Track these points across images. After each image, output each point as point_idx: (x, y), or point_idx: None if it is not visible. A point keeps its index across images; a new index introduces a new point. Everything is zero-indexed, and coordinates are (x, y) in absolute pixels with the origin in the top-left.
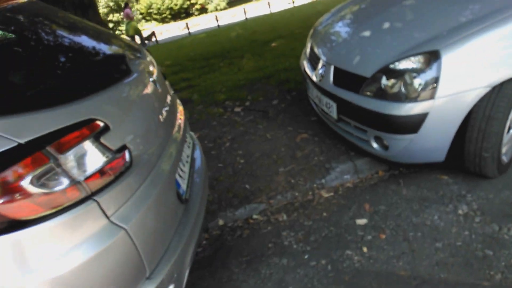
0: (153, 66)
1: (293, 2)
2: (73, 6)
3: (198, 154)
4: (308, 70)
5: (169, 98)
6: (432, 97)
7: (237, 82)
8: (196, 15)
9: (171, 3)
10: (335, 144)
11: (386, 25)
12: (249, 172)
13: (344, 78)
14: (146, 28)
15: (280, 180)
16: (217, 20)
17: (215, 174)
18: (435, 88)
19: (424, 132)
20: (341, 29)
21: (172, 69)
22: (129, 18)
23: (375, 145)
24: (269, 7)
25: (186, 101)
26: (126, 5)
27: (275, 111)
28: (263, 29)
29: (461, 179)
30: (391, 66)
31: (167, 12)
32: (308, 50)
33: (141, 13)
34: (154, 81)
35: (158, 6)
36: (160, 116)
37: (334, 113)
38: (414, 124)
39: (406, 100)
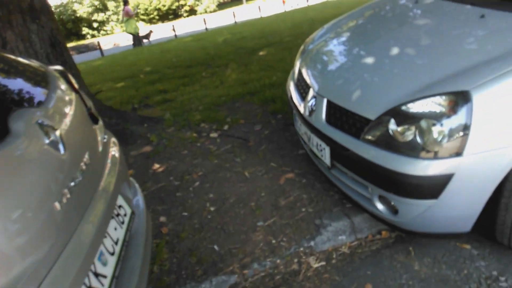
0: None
1: (284, 3)
2: (20, 11)
3: (139, 226)
4: (295, 98)
5: (86, 158)
6: (459, 152)
7: (217, 98)
8: (184, 17)
9: (159, 3)
10: (327, 191)
11: (395, 50)
12: (219, 226)
13: (341, 117)
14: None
15: (258, 239)
16: (205, 23)
17: (176, 228)
18: (463, 141)
19: (447, 198)
20: (337, 51)
21: (150, 77)
22: (129, 15)
23: (380, 206)
24: (260, 11)
25: (157, 121)
26: (126, 2)
27: (256, 139)
28: (252, 34)
29: (489, 252)
30: (403, 107)
31: (155, 13)
32: (296, 72)
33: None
34: (54, 143)
35: (146, 6)
36: (57, 204)
37: (326, 158)
38: (433, 187)
39: (422, 155)
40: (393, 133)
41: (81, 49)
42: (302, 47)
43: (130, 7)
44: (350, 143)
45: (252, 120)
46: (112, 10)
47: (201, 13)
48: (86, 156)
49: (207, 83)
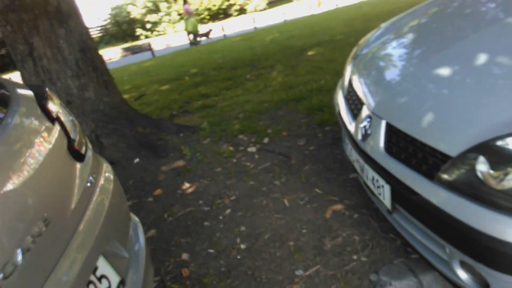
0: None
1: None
2: (47, 16)
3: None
4: (344, 114)
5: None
6: None
7: (259, 105)
8: (235, 16)
9: (209, 3)
10: (386, 232)
11: (482, 59)
12: (250, 272)
13: (406, 147)
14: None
15: None
16: (254, 22)
17: (199, 270)
18: None
19: None
20: (399, 58)
21: (194, 80)
22: (189, 14)
23: (462, 275)
24: (310, 8)
25: (193, 130)
26: (185, 1)
27: (299, 156)
28: (301, 33)
29: None
30: (499, 143)
31: (205, 13)
32: (346, 82)
33: (179, 14)
34: None
35: (196, 6)
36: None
37: (386, 199)
38: None
39: None
40: (484, 177)
41: (135, 50)
42: (354, 50)
43: (189, 5)
44: (420, 184)
45: (295, 132)
46: (164, 11)
47: (251, 12)
48: (47, 211)
49: (251, 86)
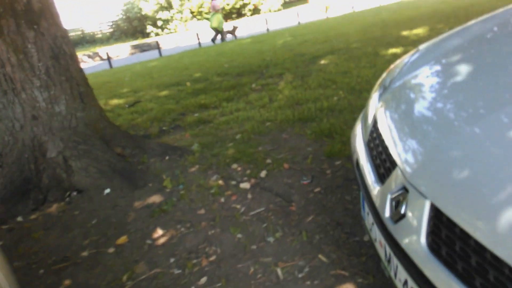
0: None
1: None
2: (13, 15)
3: None
4: (365, 169)
5: None
6: None
7: (261, 124)
8: (248, 16)
9: (223, 2)
10: None
11: None
12: None
13: (465, 253)
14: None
15: None
16: (267, 23)
17: None
18: None
19: None
20: (452, 101)
21: (196, 86)
22: (215, 10)
23: None
24: (326, 11)
25: (181, 153)
26: None
27: (302, 201)
28: (314, 38)
29: None
30: None
31: None
32: (369, 120)
33: (191, 12)
34: None
35: (210, 5)
36: None
37: None
38: None
39: None
40: None
41: (143, 48)
42: (382, 77)
43: (217, 1)
44: None
45: (300, 166)
46: (176, 9)
47: (265, 12)
48: None
49: (254, 99)
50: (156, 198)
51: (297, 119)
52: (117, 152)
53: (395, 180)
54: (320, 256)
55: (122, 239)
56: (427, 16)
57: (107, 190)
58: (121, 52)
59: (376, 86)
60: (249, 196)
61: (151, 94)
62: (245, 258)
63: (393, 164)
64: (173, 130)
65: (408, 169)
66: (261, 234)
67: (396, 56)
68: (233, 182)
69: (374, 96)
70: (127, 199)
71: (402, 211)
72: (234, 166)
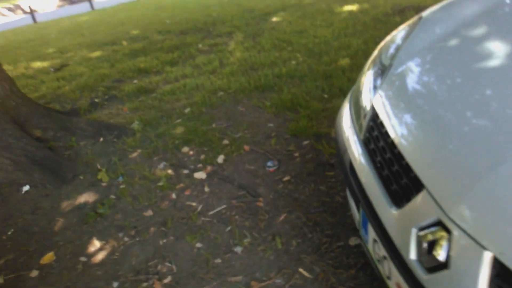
0: None
1: None
2: None
3: None
4: (366, 175)
5: None
6: None
7: (212, 94)
8: None
9: None
10: None
11: None
12: None
13: None
14: None
15: None
16: None
17: None
18: None
19: None
20: (490, 94)
21: (133, 46)
22: None
23: None
24: None
25: (118, 133)
26: None
27: (271, 195)
28: None
29: None
30: None
31: None
32: (364, 106)
33: None
34: None
35: None
36: None
37: None
38: None
39: None
40: None
41: (73, 0)
42: (375, 54)
43: None
44: None
45: (262, 147)
46: None
47: None
48: None
49: (202, 62)
50: (89, 196)
51: (253, 88)
52: (36, 136)
53: (421, 207)
54: (300, 270)
55: (48, 257)
56: None
57: (26, 187)
58: (47, 4)
59: (369, 63)
60: (206, 189)
61: (81, 55)
62: (209, 277)
63: (416, 183)
64: (107, 103)
65: (447, 200)
66: (226, 242)
67: (352, 14)
68: (185, 171)
69: (369, 74)
70: (52, 199)
71: (441, 258)
72: (185, 149)
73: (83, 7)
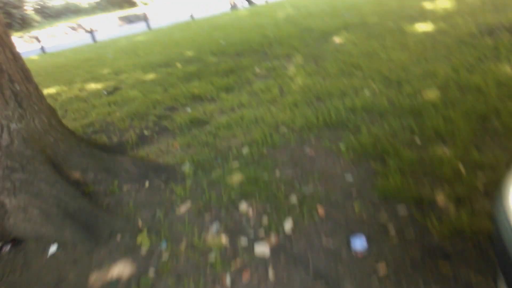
0: None
1: None
2: None
3: None
4: None
5: None
6: None
7: (274, 128)
8: None
9: None
10: None
11: None
12: None
13: None
14: None
15: None
16: None
17: None
18: None
19: None
20: None
21: (188, 69)
22: None
23: None
24: None
25: (167, 176)
26: None
27: None
28: (321, 10)
29: None
30: None
31: None
32: None
33: None
34: None
35: None
36: None
37: None
38: None
39: None
40: None
41: (131, 19)
42: None
43: None
44: None
45: (341, 212)
46: None
47: None
48: None
49: (260, 89)
50: (124, 268)
51: (322, 124)
52: (75, 178)
53: None
54: None
55: None
56: None
57: (53, 248)
58: (107, 23)
59: None
60: (271, 274)
61: (135, 77)
62: None
63: None
64: (157, 136)
65: None
66: None
67: (429, 35)
68: (244, 241)
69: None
70: (80, 267)
71: None
72: (243, 207)
73: (140, 26)
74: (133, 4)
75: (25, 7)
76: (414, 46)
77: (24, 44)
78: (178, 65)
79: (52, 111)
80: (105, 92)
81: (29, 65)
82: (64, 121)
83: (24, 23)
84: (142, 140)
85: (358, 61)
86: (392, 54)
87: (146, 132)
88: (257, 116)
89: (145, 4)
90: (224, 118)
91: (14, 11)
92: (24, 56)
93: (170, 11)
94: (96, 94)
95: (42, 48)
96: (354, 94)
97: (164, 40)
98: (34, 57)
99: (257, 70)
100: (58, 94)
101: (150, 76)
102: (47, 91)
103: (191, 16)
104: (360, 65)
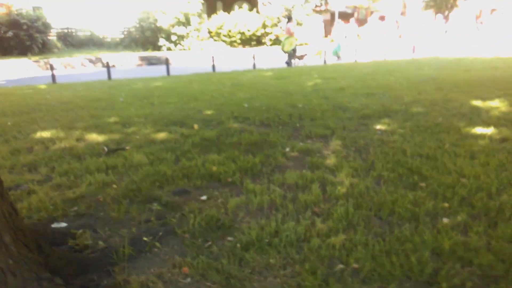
0: None
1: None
2: None
3: None
4: None
5: None
6: None
7: (327, 263)
8: (268, 46)
9: (244, 26)
10: None
11: None
12: None
13: None
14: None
15: None
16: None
17: None
18: None
19: None
20: None
21: (206, 133)
22: (290, 33)
23: None
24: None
25: None
26: (290, 19)
27: None
28: (350, 84)
29: None
30: None
31: (237, 36)
32: None
33: (209, 32)
34: None
35: (229, 28)
36: None
37: None
38: None
39: None
40: None
41: (152, 61)
42: None
43: (292, 24)
44: None
45: None
46: (194, 26)
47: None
48: None
49: (296, 183)
50: None
51: (399, 272)
52: None
53: None
54: None
55: None
56: (487, 83)
57: None
58: (127, 61)
59: None
60: None
61: (144, 134)
62: None
63: None
64: (159, 245)
65: None
66: None
67: (494, 142)
68: None
69: None
70: None
71: None
72: None
73: (160, 69)
74: (158, 48)
75: (49, 33)
76: (486, 156)
77: (37, 69)
78: (195, 126)
79: (9, 211)
80: (106, 149)
81: (32, 95)
82: (45, 187)
83: (44, 48)
84: (138, 250)
85: (418, 164)
86: (461, 164)
87: (145, 238)
88: (299, 232)
89: (169, 49)
90: (253, 228)
91: (36, 35)
92: (31, 83)
93: (192, 59)
94: (95, 149)
95: (53, 77)
96: (430, 223)
97: (182, 90)
98: (42, 86)
99: (288, 151)
100: (51, 140)
101: (162, 135)
102: (42, 134)
103: (213, 68)
104: (422, 172)
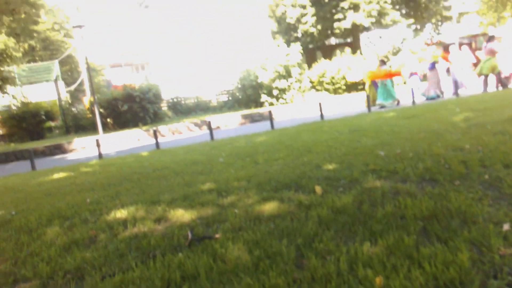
0: None
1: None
2: None
3: None
4: None
5: None
6: None
7: None
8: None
9: (349, 71)
10: None
11: None
12: None
13: None
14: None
15: None
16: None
17: None
18: None
19: None
20: None
21: (336, 201)
22: (492, 54)
23: None
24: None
25: None
26: (492, 38)
27: None
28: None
29: None
30: None
31: (342, 83)
32: None
33: (311, 82)
34: None
35: (332, 75)
36: None
37: None
38: None
39: None
40: None
41: (255, 118)
42: None
43: (495, 43)
44: None
45: None
46: (295, 77)
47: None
48: None
49: None
50: None
51: None
52: None
53: None
54: None
55: None
56: None
57: None
58: (230, 121)
59: None
60: None
61: (245, 205)
62: None
63: None
64: None
65: None
66: None
67: None
68: None
69: None
70: None
71: None
72: None
73: (264, 125)
74: (260, 104)
75: (161, 104)
76: None
77: (147, 138)
78: (318, 189)
79: None
80: (190, 236)
81: (131, 164)
82: None
83: (156, 118)
84: None
85: None
86: None
87: None
88: None
89: (271, 104)
90: None
91: (148, 105)
92: (136, 152)
93: (295, 111)
94: (174, 237)
95: (157, 143)
96: None
97: (290, 143)
98: (144, 153)
99: (509, 228)
100: (124, 223)
101: (270, 206)
102: (117, 213)
103: (321, 116)
104: None
